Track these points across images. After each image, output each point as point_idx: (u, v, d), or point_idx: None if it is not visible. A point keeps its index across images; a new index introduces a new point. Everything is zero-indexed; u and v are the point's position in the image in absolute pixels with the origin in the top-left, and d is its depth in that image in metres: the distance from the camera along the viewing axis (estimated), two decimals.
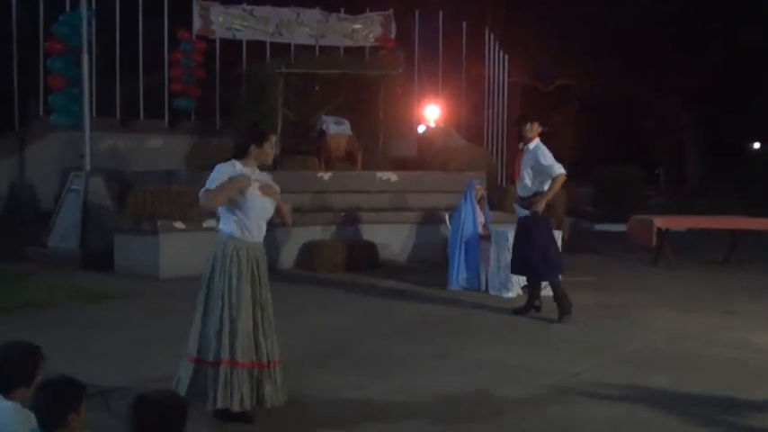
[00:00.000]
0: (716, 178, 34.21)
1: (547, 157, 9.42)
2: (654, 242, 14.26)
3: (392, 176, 15.53)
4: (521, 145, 9.75)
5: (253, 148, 5.83)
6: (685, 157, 37.89)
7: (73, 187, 14.07)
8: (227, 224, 5.77)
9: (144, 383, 6.16)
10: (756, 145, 41.58)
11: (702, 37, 30.87)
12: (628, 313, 10.11)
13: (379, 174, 15.56)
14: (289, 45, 19.37)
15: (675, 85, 33.46)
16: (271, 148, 5.92)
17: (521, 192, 9.77)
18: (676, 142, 37.73)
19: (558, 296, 9.57)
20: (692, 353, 7.98)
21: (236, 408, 5.57)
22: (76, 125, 14.73)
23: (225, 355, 5.56)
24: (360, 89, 17.39)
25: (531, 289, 10.09)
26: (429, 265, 13.68)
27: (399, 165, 16.56)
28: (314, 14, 19.73)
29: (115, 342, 8.19)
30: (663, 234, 14.37)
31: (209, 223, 12.95)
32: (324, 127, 15.95)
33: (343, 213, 14.53)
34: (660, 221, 14.51)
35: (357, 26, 20.17)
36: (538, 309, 9.97)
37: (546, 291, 10.01)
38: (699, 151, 37.35)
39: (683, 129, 37.35)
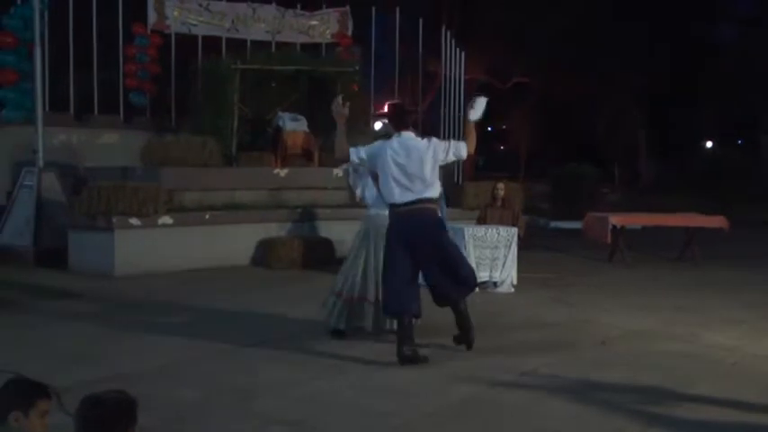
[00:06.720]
0: (669, 176, 34.64)
1: None
2: (609, 239, 14.39)
3: None
4: None
5: None
6: (638, 154, 38.29)
7: (26, 183, 13.87)
8: None
9: (98, 383, 6.09)
10: (708, 144, 42.14)
11: (655, 35, 31.26)
12: (583, 310, 10.19)
13: (335, 170, 15.49)
14: (245, 41, 19.27)
15: (627, 83, 33.83)
16: None
17: None
18: (629, 140, 38.12)
19: None
20: (644, 348, 8.07)
21: None
22: (29, 120, 14.54)
23: None
24: (316, 86, 17.34)
25: None
26: None
27: None
28: (270, 10, 19.65)
29: (69, 341, 8.10)
30: (617, 231, 14.51)
31: (165, 220, 12.90)
32: (280, 123, 15.88)
33: (299, 210, 14.49)
34: (615, 219, 14.64)
35: (314, 22, 20.13)
36: None
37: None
38: (652, 149, 37.77)
39: (635, 127, 37.75)
